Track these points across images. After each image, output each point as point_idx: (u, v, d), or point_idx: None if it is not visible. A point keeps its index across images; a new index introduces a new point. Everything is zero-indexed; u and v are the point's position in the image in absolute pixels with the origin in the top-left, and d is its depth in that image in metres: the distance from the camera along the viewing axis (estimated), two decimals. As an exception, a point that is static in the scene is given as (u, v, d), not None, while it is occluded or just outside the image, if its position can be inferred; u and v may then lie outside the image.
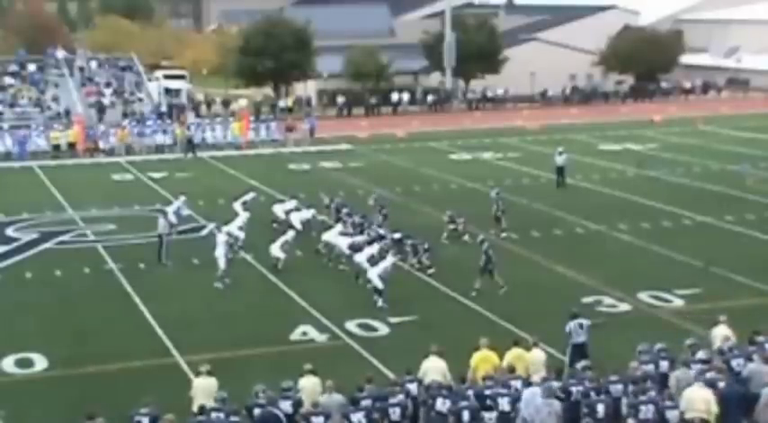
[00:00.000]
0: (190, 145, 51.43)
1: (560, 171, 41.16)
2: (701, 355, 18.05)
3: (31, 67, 63.51)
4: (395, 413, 16.14)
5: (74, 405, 18.58)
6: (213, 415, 15.85)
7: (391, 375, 18.79)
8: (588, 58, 79.00)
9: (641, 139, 54.54)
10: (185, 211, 33.56)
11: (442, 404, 16.29)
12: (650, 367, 17.60)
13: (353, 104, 70.73)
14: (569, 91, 76.66)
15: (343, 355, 21.88)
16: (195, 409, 16.45)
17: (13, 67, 63.49)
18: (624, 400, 16.34)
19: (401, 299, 25.56)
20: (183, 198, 33.91)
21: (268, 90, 73.21)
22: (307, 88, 74.66)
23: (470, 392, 16.61)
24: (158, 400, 16.46)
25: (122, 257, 30.17)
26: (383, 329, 23.64)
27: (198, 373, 17.89)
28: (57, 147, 51.82)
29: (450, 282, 27.05)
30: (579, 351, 19.43)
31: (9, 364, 21.59)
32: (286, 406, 16.20)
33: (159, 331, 23.67)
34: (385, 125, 62.41)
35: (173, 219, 31.67)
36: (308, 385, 17.03)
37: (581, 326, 19.80)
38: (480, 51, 73.21)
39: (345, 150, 52.73)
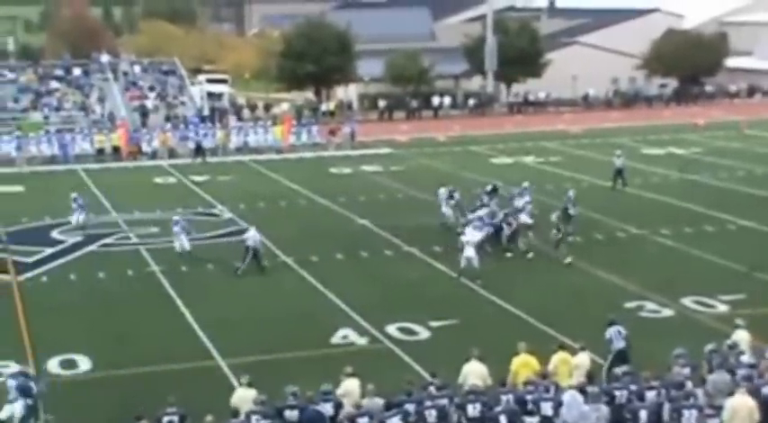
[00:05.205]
0: (199, 151, 51.41)
1: (619, 173, 40.97)
2: (745, 358, 17.86)
3: (77, 72, 64.21)
4: (431, 416, 16.11)
5: (117, 406, 18.77)
6: (253, 418, 15.94)
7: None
8: (631, 61, 78.46)
9: (684, 143, 54.07)
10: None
11: (473, 410, 16.24)
12: (687, 371, 17.47)
13: (395, 108, 70.79)
14: (611, 94, 76.19)
15: (384, 359, 21.87)
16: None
17: (59, 72, 64.28)
18: (666, 406, 16.22)
19: (442, 302, 25.56)
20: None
21: (310, 94, 73.48)
22: (348, 92, 74.83)
23: (510, 396, 16.55)
24: (197, 402, 16.62)
25: (165, 260, 30.38)
26: (424, 333, 23.60)
27: (239, 384, 17.87)
28: (101, 150, 52.44)
29: (492, 286, 26.96)
30: (621, 357, 19.29)
31: (54, 364, 21.82)
32: (327, 408, 16.26)
33: (201, 334, 23.81)
34: (426, 129, 62.41)
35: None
36: (351, 388, 17.07)
37: (620, 332, 19.67)
38: (522, 55, 73.00)
39: (386, 154, 52.77)
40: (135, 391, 19.96)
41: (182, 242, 30.52)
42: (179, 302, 26.38)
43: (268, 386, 17.35)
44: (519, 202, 33.13)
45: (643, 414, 16.05)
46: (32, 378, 17.89)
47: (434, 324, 24.03)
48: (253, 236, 29.06)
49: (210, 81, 72.22)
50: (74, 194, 35.89)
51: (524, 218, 31.73)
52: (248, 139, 54.91)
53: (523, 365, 17.94)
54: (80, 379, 21.23)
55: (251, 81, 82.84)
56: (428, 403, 16.26)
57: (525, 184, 35.00)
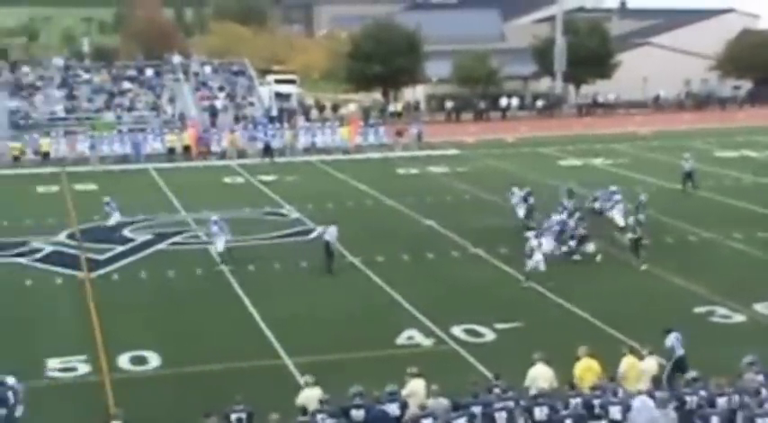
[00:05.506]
0: (268, 151, 51.90)
1: (689, 176, 40.48)
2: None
3: (149, 72, 65.20)
4: (501, 418, 16.01)
5: (185, 403, 18.97)
6: (319, 417, 16.01)
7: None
8: (704, 62, 77.28)
9: (759, 146, 53.08)
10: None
11: (540, 413, 16.11)
12: (761, 378, 17.13)
13: (462, 109, 70.67)
14: (683, 96, 75.11)
15: (449, 361, 21.81)
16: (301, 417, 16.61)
17: (132, 72, 65.30)
18: (740, 414, 15.92)
19: (508, 305, 25.43)
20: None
21: (377, 95, 73.68)
22: (416, 93, 74.90)
23: (578, 400, 16.38)
24: (263, 400, 16.78)
25: (232, 259, 30.64)
26: (489, 335, 23.49)
27: (304, 384, 17.92)
28: (172, 150, 53.20)
29: (558, 289, 26.74)
30: (680, 364, 19.03)
31: (125, 361, 22.13)
32: (393, 409, 16.28)
33: (267, 333, 23.98)
34: (494, 130, 62.19)
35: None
36: (416, 388, 17.07)
37: (678, 339, 19.38)
38: (591, 56, 72.41)
39: (453, 155, 52.68)
40: (203, 388, 20.17)
41: (218, 243, 30.63)
42: (246, 301, 26.59)
43: (333, 386, 17.40)
44: (607, 204, 33.81)
45: (715, 420, 15.77)
46: (11, 388, 17.53)
47: (500, 326, 23.89)
48: (332, 232, 29.26)
49: (279, 81, 72.80)
50: (106, 199, 36.55)
51: (617, 217, 32.60)
52: (316, 140, 55.27)
53: (587, 370, 17.75)
54: (149, 375, 21.50)
55: (320, 82, 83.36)
56: (497, 405, 16.17)
57: (613, 187, 35.20)
